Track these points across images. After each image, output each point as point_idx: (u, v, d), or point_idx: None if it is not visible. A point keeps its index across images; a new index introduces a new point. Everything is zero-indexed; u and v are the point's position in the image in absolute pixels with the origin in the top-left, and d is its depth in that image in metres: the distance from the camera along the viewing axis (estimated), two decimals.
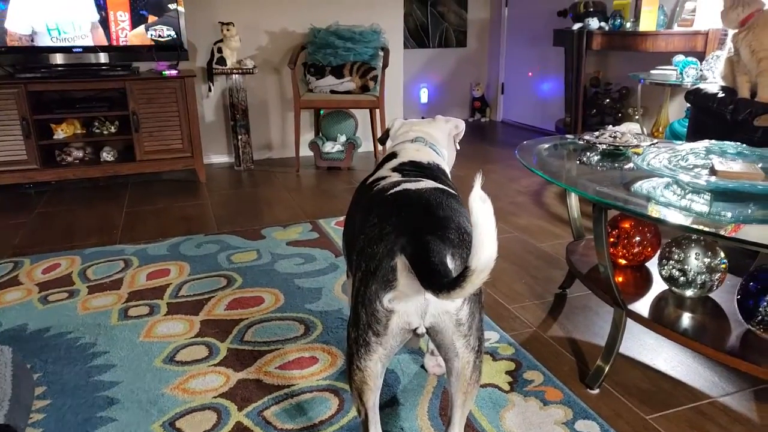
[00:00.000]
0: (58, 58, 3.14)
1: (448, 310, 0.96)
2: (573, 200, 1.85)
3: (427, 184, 1.10)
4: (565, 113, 4.03)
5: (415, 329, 0.97)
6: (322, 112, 3.82)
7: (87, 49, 3.15)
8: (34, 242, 2.49)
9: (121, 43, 3.19)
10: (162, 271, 2.15)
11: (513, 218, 2.73)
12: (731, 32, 2.32)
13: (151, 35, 3.24)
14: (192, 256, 2.28)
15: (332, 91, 3.57)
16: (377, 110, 3.54)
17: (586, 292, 1.97)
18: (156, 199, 3.10)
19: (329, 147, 3.67)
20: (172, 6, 3.22)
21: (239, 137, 3.64)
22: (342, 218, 2.69)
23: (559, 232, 2.55)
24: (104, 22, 3.13)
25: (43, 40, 3.04)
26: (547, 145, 1.83)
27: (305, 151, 3.88)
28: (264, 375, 1.51)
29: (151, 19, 3.22)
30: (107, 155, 3.24)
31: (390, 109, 4.06)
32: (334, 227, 2.59)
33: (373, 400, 1.04)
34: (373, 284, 0.95)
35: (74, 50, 3.13)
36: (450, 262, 0.92)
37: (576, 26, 3.57)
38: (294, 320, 1.78)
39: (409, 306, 0.95)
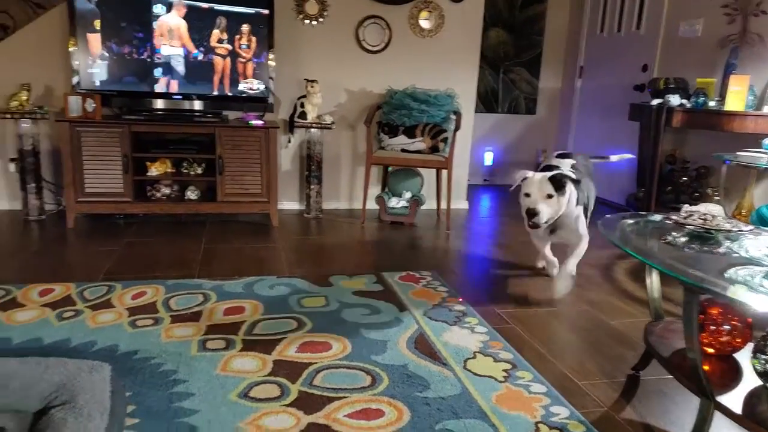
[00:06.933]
0: (159, 103, 3.43)
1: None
2: (654, 280, 1.81)
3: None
4: (638, 188, 3.97)
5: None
6: (390, 168, 3.95)
7: (185, 96, 3.43)
8: (123, 269, 2.66)
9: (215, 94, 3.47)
10: (237, 308, 2.24)
11: (582, 291, 2.69)
12: None
13: (243, 87, 3.50)
14: (265, 296, 2.37)
15: (403, 150, 3.69)
16: (444, 170, 3.62)
17: (661, 376, 1.89)
18: (232, 238, 3.25)
19: (394, 202, 3.77)
20: (264, 62, 3.49)
21: (311, 186, 3.80)
22: (404, 273, 2.73)
23: (630, 310, 2.48)
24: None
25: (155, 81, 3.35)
26: (630, 221, 1.82)
27: (371, 204, 3.99)
28: (332, 421, 1.53)
29: (247, 72, 3.50)
30: (191, 194, 3.45)
31: (456, 170, 4.15)
32: (397, 281, 2.62)
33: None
34: None
35: (173, 97, 3.42)
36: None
37: (655, 102, 3.54)
38: (361, 370, 1.81)
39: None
